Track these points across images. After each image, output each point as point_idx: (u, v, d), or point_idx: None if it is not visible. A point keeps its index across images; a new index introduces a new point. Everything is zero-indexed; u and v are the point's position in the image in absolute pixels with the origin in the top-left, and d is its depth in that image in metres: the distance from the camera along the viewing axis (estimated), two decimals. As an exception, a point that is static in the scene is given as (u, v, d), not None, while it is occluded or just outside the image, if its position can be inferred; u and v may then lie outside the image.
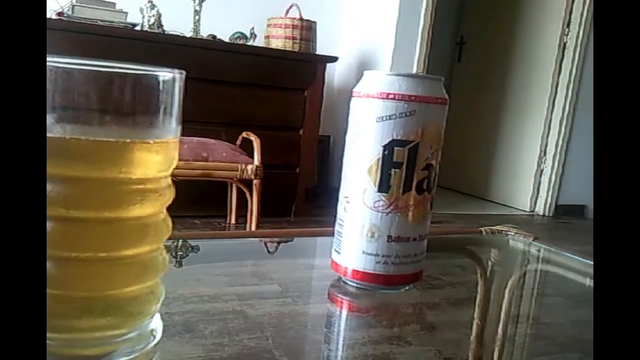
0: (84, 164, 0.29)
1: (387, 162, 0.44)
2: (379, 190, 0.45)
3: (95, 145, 0.29)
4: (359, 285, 0.47)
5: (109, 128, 0.30)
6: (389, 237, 0.45)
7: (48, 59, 0.28)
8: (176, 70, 0.31)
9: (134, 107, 0.30)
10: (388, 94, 0.44)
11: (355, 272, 0.47)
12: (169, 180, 0.33)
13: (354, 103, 0.46)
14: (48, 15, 2.45)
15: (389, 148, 0.44)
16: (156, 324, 0.34)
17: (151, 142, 0.31)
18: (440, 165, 0.47)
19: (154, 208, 0.32)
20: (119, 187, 0.30)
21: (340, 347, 0.39)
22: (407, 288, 0.48)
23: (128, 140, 0.30)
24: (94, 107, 0.30)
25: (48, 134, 0.29)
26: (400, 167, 0.44)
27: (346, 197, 0.47)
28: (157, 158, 0.31)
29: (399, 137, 0.44)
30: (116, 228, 0.30)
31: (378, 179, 0.45)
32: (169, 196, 0.33)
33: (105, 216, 0.30)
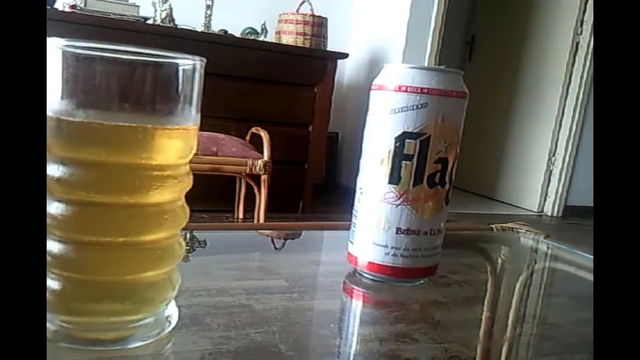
0: (105, 149, 0.29)
1: (398, 154, 0.44)
2: (390, 182, 0.45)
3: (116, 130, 0.29)
4: (369, 276, 0.47)
5: (130, 114, 0.30)
6: (398, 229, 0.45)
7: (71, 44, 0.29)
8: (197, 58, 0.31)
9: (154, 93, 0.31)
10: (401, 87, 0.44)
11: (365, 262, 0.47)
12: (188, 167, 0.33)
13: (372, 96, 0.47)
14: (61, 8, 2.47)
15: (400, 140, 0.44)
16: (172, 310, 0.35)
17: (171, 128, 0.31)
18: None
19: (173, 194, 0.32)
20: (139, 173, 0.30)
21: (346, 342, 0.39)
22: (421, 282, 0.48)
23: (149, 126, 0.30)
24: (115, 93, 0.30)
25: (70, 119, 0.29)
26: (410, 160, 0.44)
27: (360, 188, 0.48)
28: (177, 145, 0.32)
29: (410, 130, 0.44)
30: (135, 213, 0.31)
31: (389, 171, 0.45)
32: (187, 183, 0.33)
33: (125, 201, 0.30)
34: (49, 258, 0.30)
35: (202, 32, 2.74)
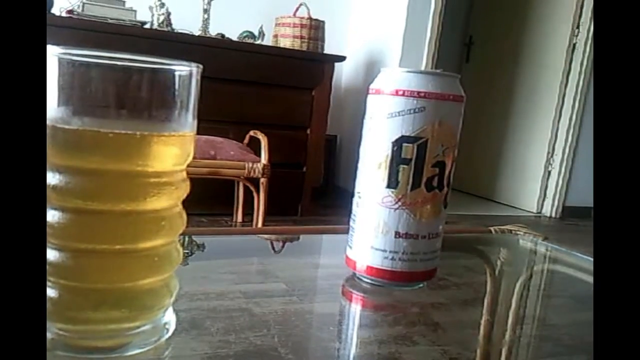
0: (101, 156, 0.29)
1: (396, 158, 0.44)
2: (388, 186, 0.45)
3: (112, 138, 0.29)
4: (368, 280, 0.47)
5: (126, 121, 0.30)
6: (397, 233, 0.45)
7: (67, 51, 0.28)
8: (193, 64, 0.31)
9: (151, 100, 0.30)
10: (398, 91, 0.44)
11: (364, 267, 0.47)
12: (185, 173, 0.33)
13: (369, 100, 0.47)
14: (58, 13, 2.47)
15: (397, 144, 0.44)
16: (169, 317, 0.35)
17: (168, 135, 0.31)
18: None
19: (170, 201, 0.32)
20: (136, 180, 0.30)
21: (345, 345, 0.39)
22: (420, 285, 0.48)
23: (145, 133, 0.30)
24: (111, 100, 0.30)
25: (66, 126, 0.29)
26: (408, 164, 0.44)
27: (358, 193, 0.48)
28: (174, 151, 0.32)
29: (407, 134, 0.44)
30: (132, 220, 0.31)
31: (387, 175, 0.45)
32: (185, 190, 0.33)
33: (122, 208, 0.30)
34: (45, 266, 0.30)
35: (199, 36, 2.74)
